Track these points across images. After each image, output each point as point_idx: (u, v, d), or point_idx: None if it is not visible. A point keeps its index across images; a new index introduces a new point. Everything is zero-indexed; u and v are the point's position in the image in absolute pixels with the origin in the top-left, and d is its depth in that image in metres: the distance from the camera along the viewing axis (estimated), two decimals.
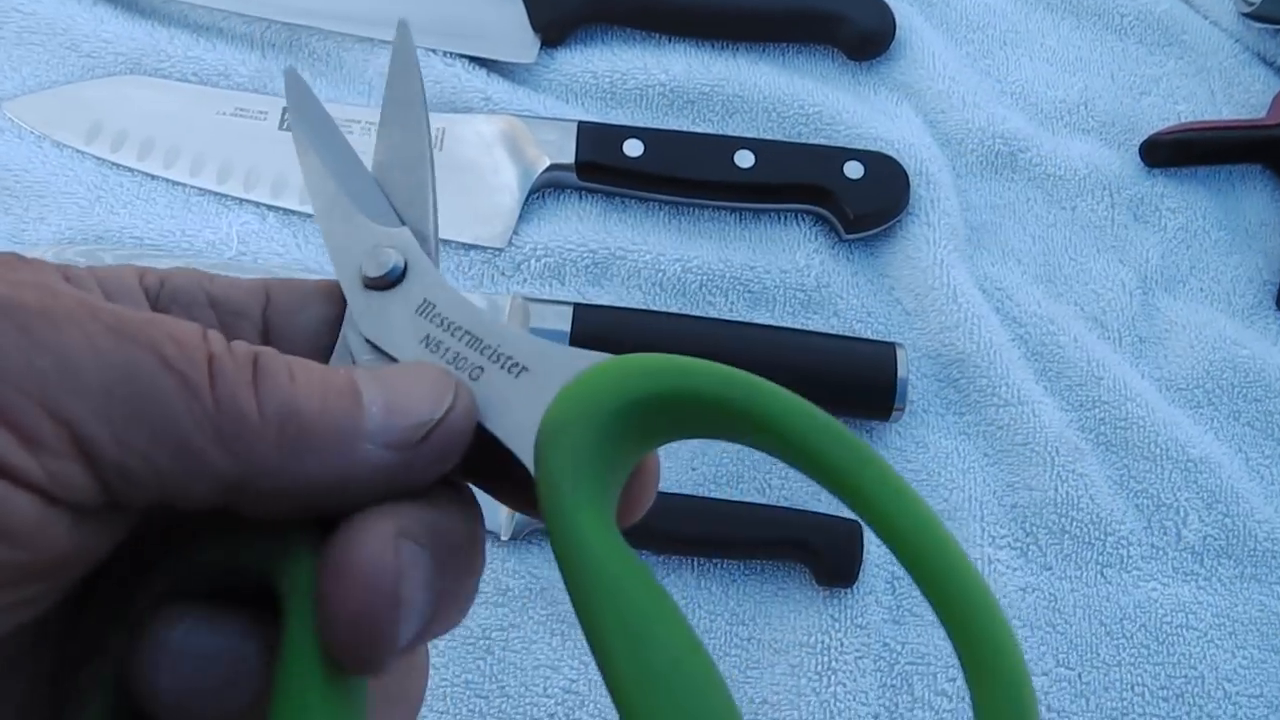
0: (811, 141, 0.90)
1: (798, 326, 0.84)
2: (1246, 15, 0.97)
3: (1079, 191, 0.91)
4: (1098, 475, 0.81)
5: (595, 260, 0.85)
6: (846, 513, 0.76)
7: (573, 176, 0.86)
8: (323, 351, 0.38)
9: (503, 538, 0.76)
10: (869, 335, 0.84)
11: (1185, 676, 0.77)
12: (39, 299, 0.30)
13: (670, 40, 0.94)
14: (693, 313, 0.84)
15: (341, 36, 0.91)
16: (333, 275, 0.40)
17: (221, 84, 0.89)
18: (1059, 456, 0.81)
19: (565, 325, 0.79)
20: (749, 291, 0.85)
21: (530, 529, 0.76)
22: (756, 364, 0.76)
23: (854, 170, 0.86)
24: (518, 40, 0.92)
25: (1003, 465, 0.82)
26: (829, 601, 0.77)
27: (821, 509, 0.78)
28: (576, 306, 0.80)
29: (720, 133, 0.90)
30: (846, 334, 0.84)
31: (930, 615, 0.75)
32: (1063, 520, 0.80)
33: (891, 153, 0.88)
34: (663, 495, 0.74)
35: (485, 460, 0.36)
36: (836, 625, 0.76)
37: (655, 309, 0.84)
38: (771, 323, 0.84)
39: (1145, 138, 0.93)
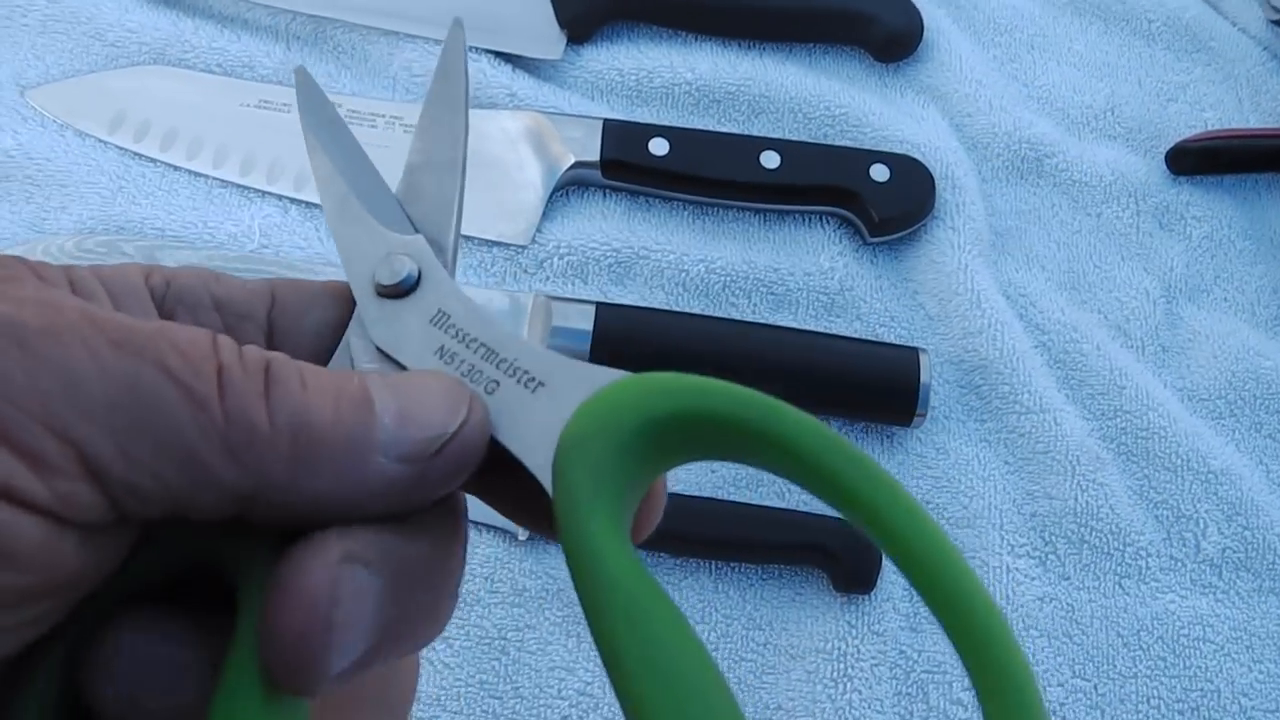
0: (837, 143, 0.90)
1: (820, 329, 0.84)
2: (1275, 22, 0.96)
3: (1104, 198, 0.91)
4: (1118, 485, 0.81)
5: (618, 259, 0.84)
6: None
7: (597, 174, 0.86)
8: (326, 354, 0.38)
9: (520, 538, 0.76)
10: (892, 339, 0.84)
11: (1201, 690, 0.77)
12: (41, 316, 0.29)
13: (697, 39, 0.94)
14: (715, 314, 0.84)
15: (367, 30, 0.91)
16: (339, 276, 0.39)
17: (246, 75, 0.89)
18: (1079, 465, 0.80)
19: (587, 324, 0.79)
20: (772, 293, 0.85)
21: None
22: (779, 367, 0.77)
23: (880, 173, 0.85)
24: (544, 36, 0.91)
25: (1023, 473, 0.81)
26: (846, 608, 0.77)
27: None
28: (599, 305, 0.80)
29: (746, 133, 0.90)
30: (869, 338, 0.84)
31: None
32: (1082, 530, 0.80)
33: (917, 155, 0.88)
34: (681, 498, 0.74)
35: (495, 475, 0.36)
36: (853, 632, 0.76)
37: (678, 309, 0.84)
38: (794, 325, 0.84)
39: (1171, 145, 0.93)
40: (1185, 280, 0.89)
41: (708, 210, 0.88)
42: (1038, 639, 0.77)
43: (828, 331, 0.84)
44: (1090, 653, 0.77)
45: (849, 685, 0.74)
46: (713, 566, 0.77)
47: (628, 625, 0.32)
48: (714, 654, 0.72)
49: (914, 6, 0.94)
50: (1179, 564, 0.80)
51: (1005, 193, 0.91)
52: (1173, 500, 0.81)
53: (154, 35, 0.89)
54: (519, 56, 0.91)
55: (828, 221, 0.88)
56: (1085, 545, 0.79)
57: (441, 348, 0.37)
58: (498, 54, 0.91)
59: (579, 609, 0.71)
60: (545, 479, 0.34)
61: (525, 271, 0.84)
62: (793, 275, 0.85)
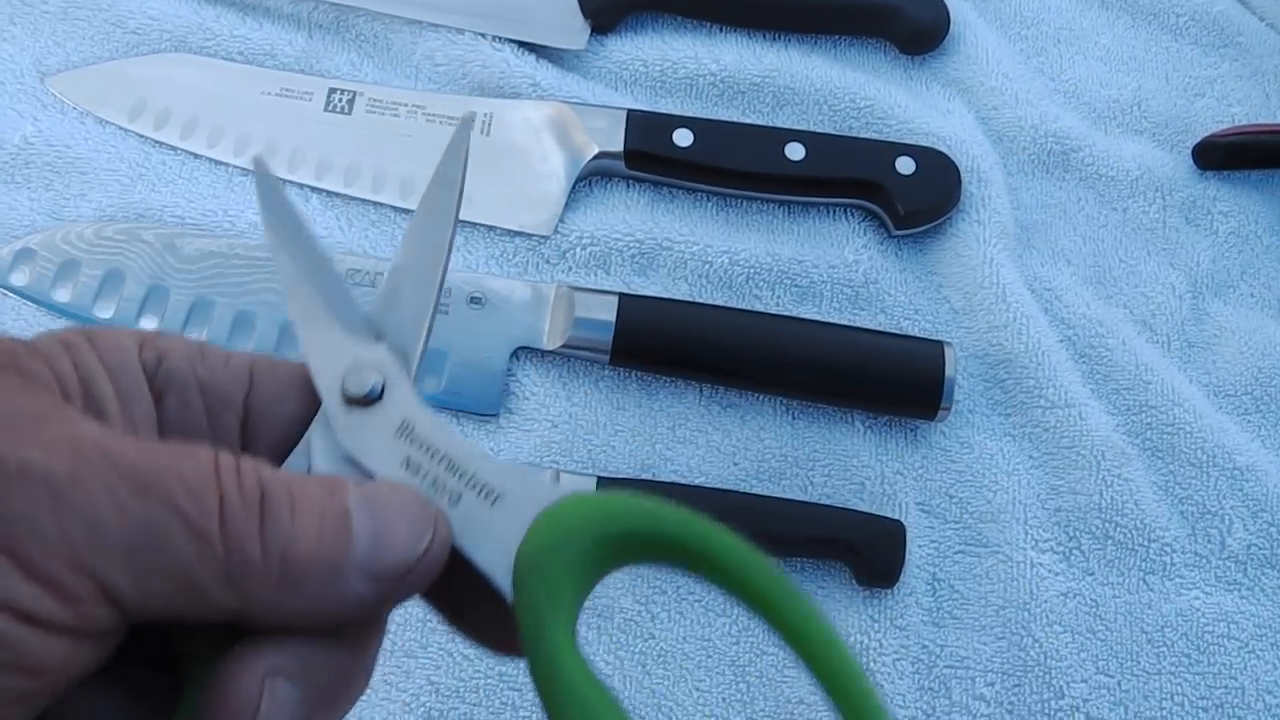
0: (862, 135, 0.89)
1: (845, 322, 0.83)
2: None
3: (1130, 193, 0.90)
4: (1143, 481, 0.80)
5: (641, 250, 0.84)
6: (890, 512, 0.76)
7: (621, 165, 0.86)
8: (295, 439, 0.40)
9: None
10: (916, 333, 0.84)
11: (1225, 687, 0.76)
12: (69, 464, 0.32)
13: (722, 30, 0.94)
14: (739, 306, 0.83)
15: (390, 18, 0.91)
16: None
17: (267, 64, 0.89)
18: (1104, 461, 0.80)
19: (610, 315, 0.78)
20: (796, 286, 0.84)
21: None
22: (802, 360, 0.77)
23: (906, 165, 0.85)
24: (568, 26, 0.91)
25: (1048, 468, 0.81)
26: (869, 602, 0.76)
27: (864, 508, 0.78)
28: (621, 297, 0.80)
29: (770, 125, 0.89)
30: (894, 331, 0.83)
31: (971, 619, 0.74)
32: (1106, 525, 0.79)
33: (943, 149, 0.87)
34: (703, 490, 0.74)
35: (452, 580, 0.39)
36: (875, 626, 0.75)
37: (701, 301, 0.83)
38: (818, 318, 0.83)
39: (1199, 140, 0.92)
40: (1211, 276, 0.89)
41: (732, 202, 0.88)
42: (1061, 635, 0.76)
43: (852, 324, 0.83)
44: (1114, 649, 0.76)
45: (871, 679, 0.73)
46: None
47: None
48: (735, 647, 0.72)
49: None
50: (1204, 560, 0.79)
51: (1031, 187, 0.91)
52: (1198, 496, 0.81)
53: (175, 23, 0.89)
54: (543, 46, 0.91)
55: (852, 214, 0.87)
56: (1110, 541, 0.79)
57: (408, 459, 0.39)
58: (521, 44, 0.90)
59: (599, 601, 0.71)
60: (505, 587, 0.38)
61: (547, 262, 0.84)
62: (817, 268, 0.85)
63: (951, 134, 0.89)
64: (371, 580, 0.36)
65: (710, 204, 0.88)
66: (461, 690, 0.72)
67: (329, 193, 0.85)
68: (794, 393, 0.80)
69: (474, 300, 0.80)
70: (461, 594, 0.40)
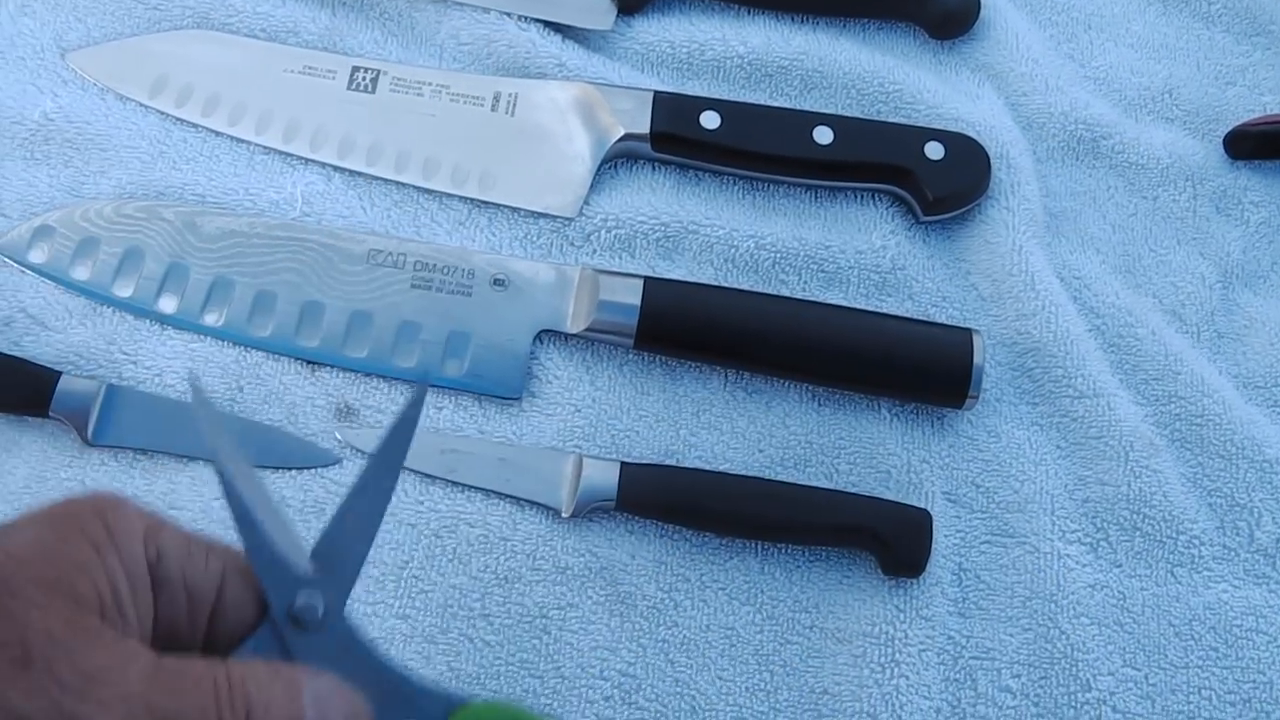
0: (891, 120, 0.88)
1: (871, 309, 0.83)
2: None
3: (1161, 181, 0.90)
4: (1172, 472, 0.79)
5: (667, 234, 0.83)
6: (916, 501, 0.75)
7: (647, 147, 0.85)
8: (250, 625, 0.47)
9: (564, 514, 0.74)
10: (943, 320, 0.83)
11: (1254, 682, 0.75)
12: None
13: (749, 12, 0.93)
14: (765, 290, 0.83)
15: None
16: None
17: (290, 41, 0.88)
18: (1133, 451, 0.79)
19: (635, 299, 0.78)
20: (823, 271, 0.83)
21: (593, 507, 0.74)
22: (829, 346, 0.76)
23: (935, 151, 0.84)
24: (594, 6, 0.90)
25: (1075, 458, 0.80)
26: (894, 591, 0.75)
27: (890, 497, 0.77)
28: (647, 280, 0.79)
29: (798, 108, 0.88)
30: (921, 318, 0.82)
31: (997, 610, 0.74)
32: (1134, 517, 0.78)
33: (972, 135, 0.87)
34: (728, 477, 0.73)
35: None
36: (901, 616, 0.75)
37: (727, 286, 0.82)
38: (845, 304, 0.82)
39: (1230, 129, 0.91)
40: (1242, 266, 0.88)
41: (758, 185, 0.87)
42: (1088, 627, 0.75)
43: (879, 311, 0.82)
44: (1141, 642, 0.76)
45: (896, 670, 0.73)
46: (759, 548, 0.76)
47: None
48: (760, 636, 0.71)
49: None
50: (1232, 553, 0.79)
51: (1060, 174, 0.90)
52: (1227, 488, 0.80)
53: None
54: (569, 26, 0.90)
55: (880, 199, 0.86)
56: (1138, 533, 0.78)
57: (349, 674, 0.46)
58: (547, 23, 0.89)
59: (623, 588, 0.72)
60: None
61: (571, 244, 0.83)
62: (844, 253, 0.84)
63: (981, 120, 0.88)
64: None
65: (737, 187, 0.87)
66: (482, 677, 0.71)
67: (351, 172, 0.84)
68: (820, 379, 0.80)
69: (497, 282, 0.79)
70: None
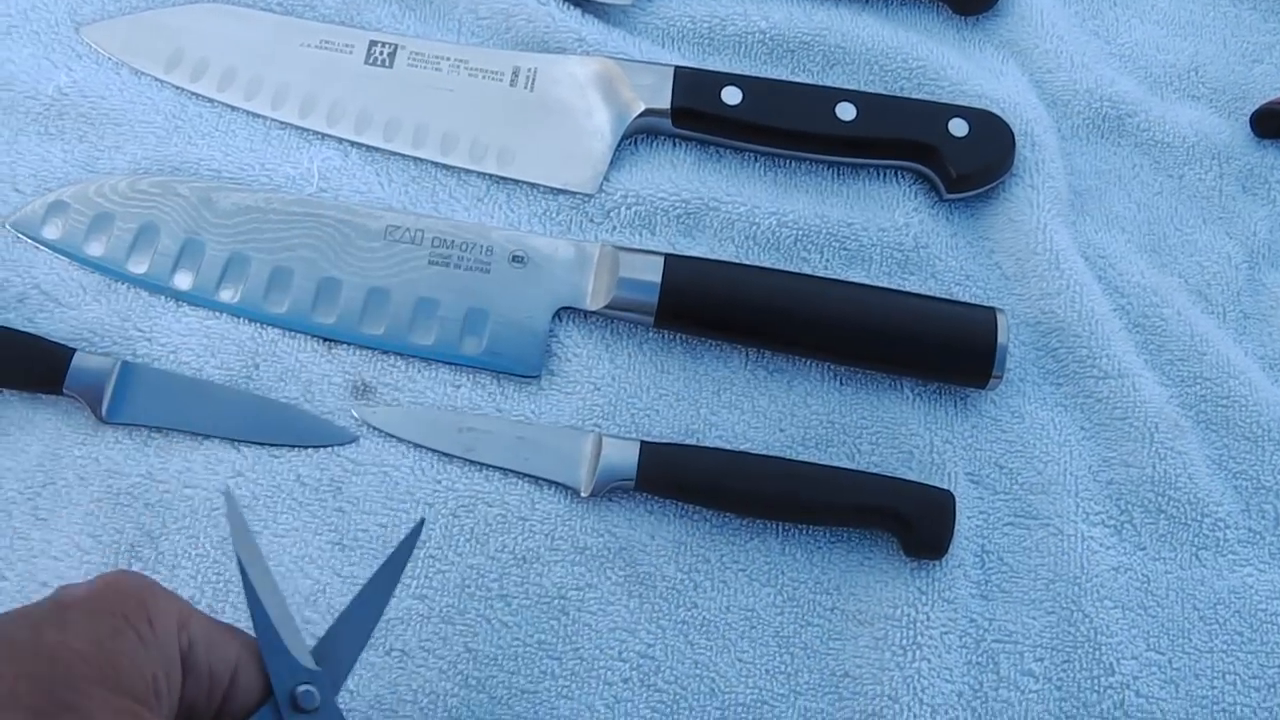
0: (914, 97, 0.87)
1: (894, 287, 0.82)
2: None
3: (1186, 160, 0.89)
4: (1196, 454, 0.79)
5: (688, 210, 0.82)
6: (939, 481, 0.75)
7: (667, 123, 0.84)
8: (258, 702, 0.54)
9: (583, 494, 0.74)
10: (967, 299, 0.82)
11: (1279, 667, 0.75)
12: None
13: None
14: (786, 268, 0.82)
15: None
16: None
17: (307, 15, 0.87)
18: (1158, 433, 0.79)
19: (656, 276, 0.77)
20: (845, 249, 0.83)
21: (612, 486, 0.74)
22: (851, 324, 0.75)
23: (959, 128, 0.83)
24: None
25: (1100, 439, 0.80)
26: (916, 573, 0.75)
27: (912, 477, 0.76)
28: (668, 257, 0.78)
29: (821, 84, 0.88)
30: (944, 297, 0.82)
31: (1020, 593, 0.73)
32: (1159, 499, 0.78)
33: (996, 112, 0.86)
34: (749, 456, 0.73)
35: None
36: (923, 598, 0.74)
37: (748, 263, 0.82)
38: (867, 282, 0.82)
39: (1257, 107, 0.90)
40: (1269, 245, 0.87)
41: (780, 162, 0.86)
42: (1112, 610, 0.75)
43: (902, 289, 0.82)
44: (1165, 625, 0.75)
45: (918, 653, 0.72)
46: (780, 529, 0.76)
47: None
48: (780, 618, 0.71)
49: None
50: (1258, 536, 0.78)
51: (1085, 151, 0.89)
52: (1252, 471, 0.79)
53: None
54: (588, 0, 0.89)
55: (903, 177, 0.85)
56: (1162, 515, 0.78)
57: None
58: None
59: (642, 568, 0.71)
60: None
61: (591, 221, 0.83)
62: (866, 231, 0.83)
63: (1005, 97, 0.88)
64: None
65: (758, 164, 0.86)
66: (499, 658, 0.71)
67: (368, 147, 0.84)
68: (842, 358, 0.79)
69: (516, 259, 0.78)
70: None
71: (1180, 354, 0.82)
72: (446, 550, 0.72)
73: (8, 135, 0.81)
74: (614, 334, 0.80)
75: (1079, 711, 0.72)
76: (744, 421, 0.78)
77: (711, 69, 0.86)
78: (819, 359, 0.80)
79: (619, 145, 0.84)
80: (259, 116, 0.84)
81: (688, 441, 0.77)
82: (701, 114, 0.84)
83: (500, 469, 0.74)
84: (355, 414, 0.75)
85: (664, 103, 0.83)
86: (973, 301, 0.82)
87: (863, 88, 0.88)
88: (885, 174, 0.86)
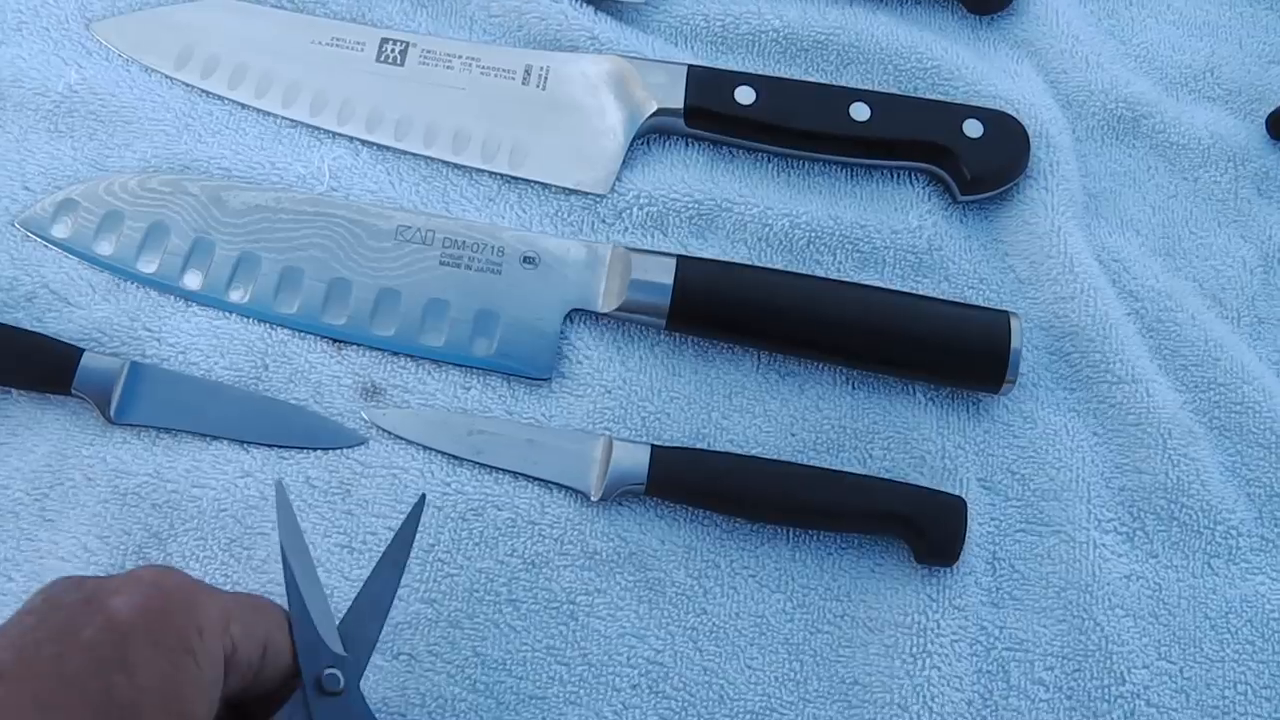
0: (928, 97, 0.87)
1: (907, 290, 0.82)
2: None
3: (1202, 162, 0.88)
4: (1210, 461, 0.78)
5: (700, 211, 0.82)
6: (950, 487, 0.74)
7: (680, 123, 0.84)
8: (286, 684, 0.57)
9: (592, 498, 0.74)
10: (980, 303, 0.82)
11: None
12: None
13: None
14: (799, 270, 0.81)
15: None
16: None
17: (318, 12, 0.87)
18: (1171, 439, 0.78)
19: (668, 278, 0.77)
20: (858, 251, 0.82)
21: (622, 490, 0.73)
22: (863, 327, 0.75)
23: (974, 129, 0.83)
24: None
25: (1112, 445, 0.79)
26: (927, 580, 0.74)
27: (924, 483, 0.76)
28: (680, 259, 0.78)
29: (835, 84, 0.87)
30: (957, 300, 0.81)
31: (1031, 601, 0.73)
32: (1172, 506, 0.77)
33: (1010, 113, 0.85)
34: (759, 461, 0.72)
35: None
36: (934, 606, 0.74)
37: (761, 265, 0.81)
38: (880, 284, 0.81)
39: (1273, 109, 0.90)
40: None
41: (793, 163, 0.86)
42: (1123, 618, 0.74)
43: (915, 292, 0.81)
44: (1177, 634, 0.75)
45: (928, 661, 0.72)
46: (790, 534, 0.75)
47: None
48: (789, 625, 0.70)
49: None
50: (1271, 545, 0.77)
51: (1100, 153, 0.89)
52: (1266, 478, 0.79)
53: None
54: None
55: (917, 178, 0.85)
56: (1175, 522, 0.77)
57: None
58: None
59: (652, 573, 0.71)
60: None
61: (603, 221, 0.82)
62: (880, 233, 0.83)
63: (1019, 97, 0.87)
64: None
65: (771, 164, 0.86)
66: (508, 663, 0.70)
67: (379, 146, 0.83)
68: (854, 362, 0.79)
69: (527, 260, 0.78)
70: None
71: (1194, 359, 0.81)
72: (455, 554, 0.72)
73: (17, 132, 0.81)
74: (625, 336, 0.79)
75: None
76: (755, 425, 0.78)
77: (725, 68, 0.86)
78: (831, 362, 0.79)
79: (631, 145, 0.83)
80: (269, 114, 0.84)
81: (699, 445, 0.77)
82: (715, 113, 0.83)
83: (510, 472, 0.74)
84: (365, 416, 0.75)
85: (677, 102, 0.83)
86: (986, 305, 0.81)
87: (877, 87, 0.88)
88: (899, 176, 0.85)
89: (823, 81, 0.87)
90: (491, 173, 0.83)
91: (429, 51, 0.85)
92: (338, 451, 0.74)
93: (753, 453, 0.77)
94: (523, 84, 0.84)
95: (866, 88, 0.87)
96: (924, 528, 0.73)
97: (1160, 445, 0.78)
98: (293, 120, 0.84)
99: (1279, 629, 0.75)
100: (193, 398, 0.74)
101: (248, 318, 0.77)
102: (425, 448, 0.75)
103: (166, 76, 0.84)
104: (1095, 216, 0.86)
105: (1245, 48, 0.93)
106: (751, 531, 0.75)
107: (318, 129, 0.83)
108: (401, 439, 0.75)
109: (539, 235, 0.80)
